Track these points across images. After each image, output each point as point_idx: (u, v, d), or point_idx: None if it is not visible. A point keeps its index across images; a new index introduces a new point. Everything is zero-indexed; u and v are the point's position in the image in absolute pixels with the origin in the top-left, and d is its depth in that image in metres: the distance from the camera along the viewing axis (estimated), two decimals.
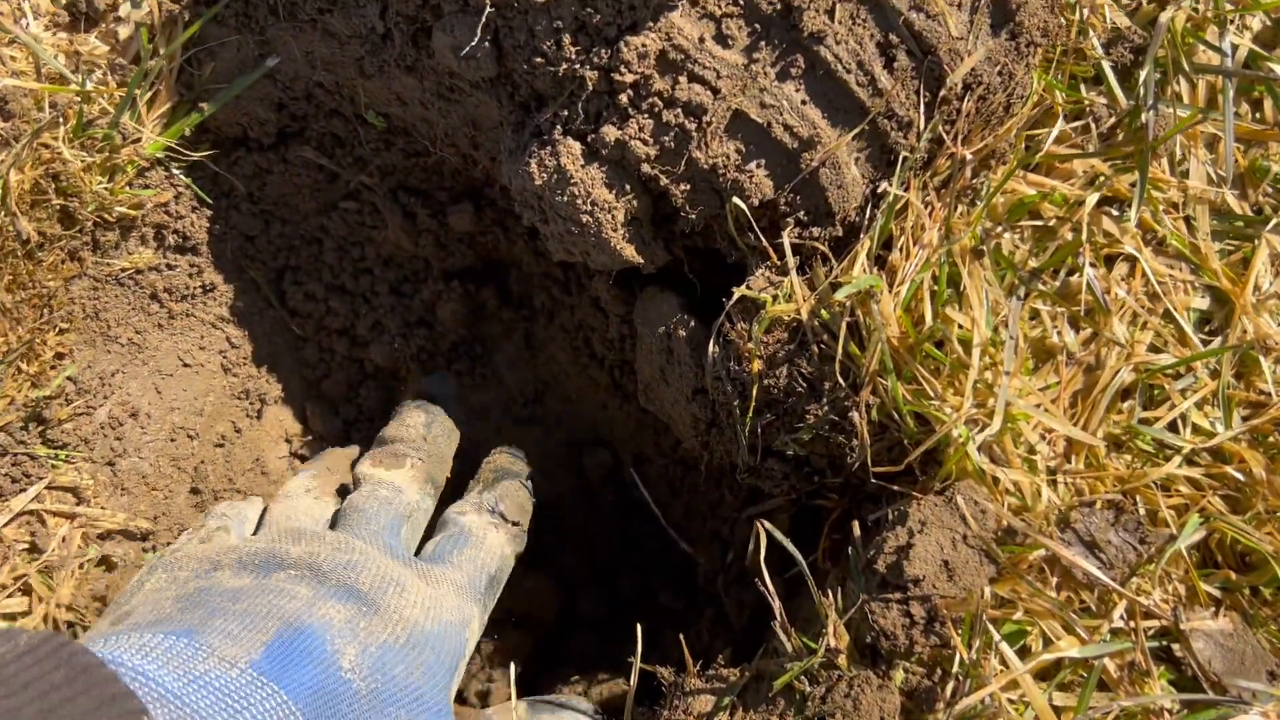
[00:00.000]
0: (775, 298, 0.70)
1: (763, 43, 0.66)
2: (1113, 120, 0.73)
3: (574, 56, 0.68)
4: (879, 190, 0.70)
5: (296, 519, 0.75)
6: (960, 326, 0.69)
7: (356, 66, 0.81)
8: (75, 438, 0.86)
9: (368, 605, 0.66)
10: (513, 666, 0.77)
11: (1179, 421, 0.69)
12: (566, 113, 0.69)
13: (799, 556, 0.67)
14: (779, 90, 0.66)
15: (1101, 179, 0.72)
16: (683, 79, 0.66)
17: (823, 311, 0.69)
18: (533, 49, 0.68)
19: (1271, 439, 0.68)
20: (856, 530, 0.69)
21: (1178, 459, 0.67)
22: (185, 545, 0.72)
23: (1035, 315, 0.71)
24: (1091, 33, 0.74)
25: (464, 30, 0.69)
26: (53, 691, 0.46)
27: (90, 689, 0.47)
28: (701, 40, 0.66)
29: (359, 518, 0.74)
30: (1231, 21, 0.73)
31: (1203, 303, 0.71)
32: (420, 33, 0.75)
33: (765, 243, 0.70)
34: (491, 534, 0.78)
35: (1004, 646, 0.62)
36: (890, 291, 0.68)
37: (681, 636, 0.75)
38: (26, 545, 0.81)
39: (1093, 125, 0.74)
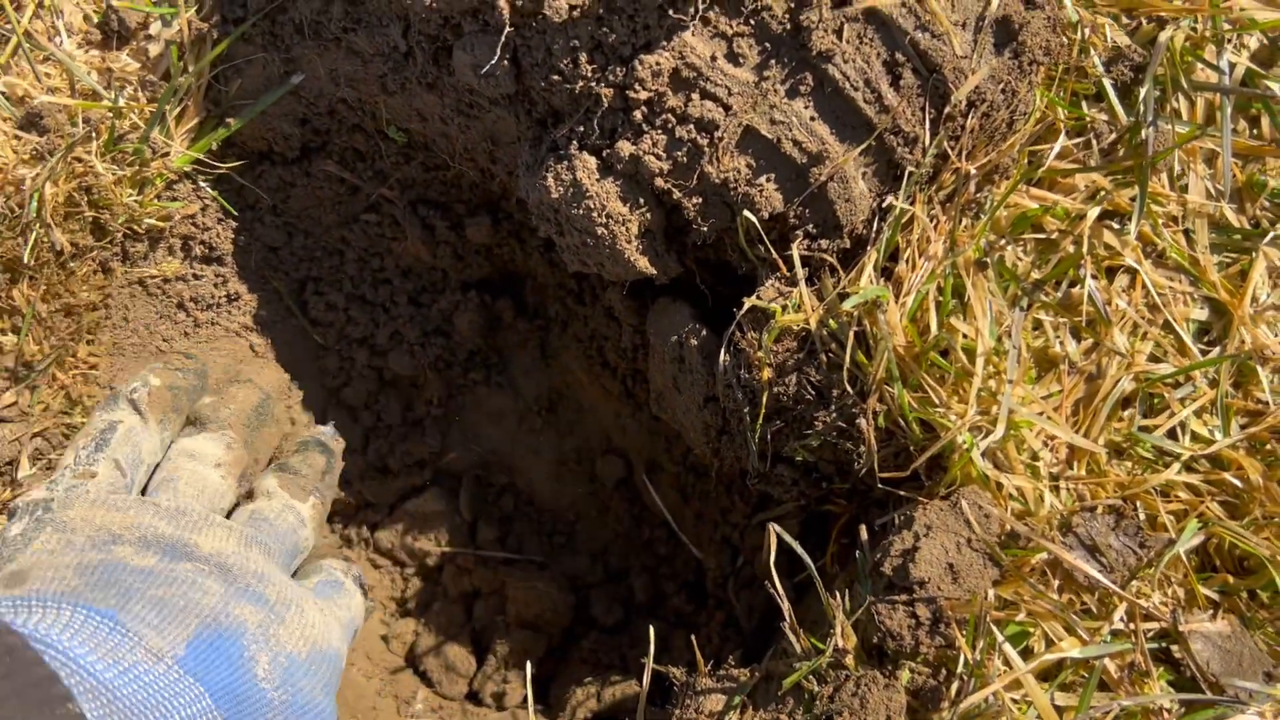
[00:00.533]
0: (785, 308, 0.71)
1: (773, 61, 0.68)
2: (1113, 136, 0.75)
3: (590, 74, 0.70)
4: (885, 204, 0.72)
5: (203, 500, 0.73)
6: (965, 336, 0.70)
7: (379, 83, 0.83)
8: None
9: (274, 614, 0.65)
10: (529, 666, 0.78)
11: (1178, 429, 0.71)
12: (582, 128, 0.72)
13: (807, 559, 0.69)
14: (788, 107, 0.68)
15: (1103, 193, 0.74)
16: (695, 96, 0.68)
17: (831, 321, 0.71)
18: (550, 67, 0.71)
19: (1269, 446, 0.70)
20: (864, 534, 0.71)
21: (1177, 465, 0.69)
22: (74, 502, 0.67)
23: (1038, 325, 0.73)
24: (1093, 51, 0.76)
25: (484, 49, 0.72)
26: None
27: (13, 673, 0.44)
28: (713, 59, 0.68)
29: (270, 530, 0.73)
30: (1229, 40, 0.75)
31: (1201, 314, 0.73)
32: (441, 51, 0.77)
33: (775, 255, 0.72)
34: (357, 595, 0.78)
35: (1007, 647, 0.64)
36: (896, 302, 0.70)
37: (693, 637, 0.76)
38: None
39: (1094, 141, 0.75)
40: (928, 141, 0.69)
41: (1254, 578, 0.67)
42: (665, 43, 0.68)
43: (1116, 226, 0.74)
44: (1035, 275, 0.73)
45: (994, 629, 0.64)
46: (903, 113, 0.68)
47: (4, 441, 0.83)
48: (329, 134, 0.91)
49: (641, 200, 0.72)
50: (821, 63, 0.67)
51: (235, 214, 0.92)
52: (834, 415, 0.71)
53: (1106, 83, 0.75)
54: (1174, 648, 0.65)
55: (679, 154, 0.70)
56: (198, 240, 0.91)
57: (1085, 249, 0.72)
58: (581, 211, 0.72)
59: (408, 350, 1.03)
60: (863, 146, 0.69)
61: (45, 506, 0.66)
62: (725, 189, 0.70)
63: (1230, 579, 0.68)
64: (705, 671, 0.74)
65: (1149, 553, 0.67)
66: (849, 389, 0.70)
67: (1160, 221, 0.74)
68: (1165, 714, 0.64)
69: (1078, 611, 0.66)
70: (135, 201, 0.84)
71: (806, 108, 0.68)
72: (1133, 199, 0.73)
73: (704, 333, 0.79)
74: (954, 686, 0.64)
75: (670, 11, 0.67)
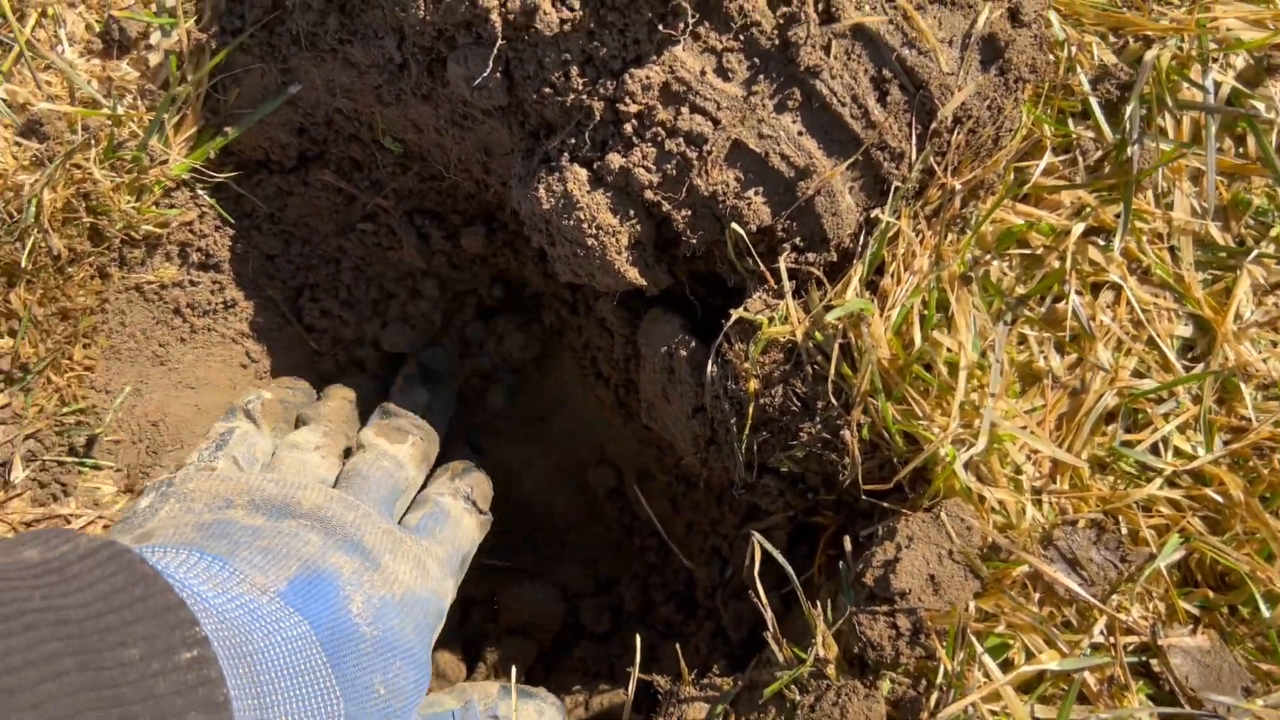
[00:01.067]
0: (771, 320, 0.72)
1: (761, 76, 0.69)
2: (1099, 153, 0.76)
3: (581, 87, 0.71)
4: (872, 218, 0.72)
5: (305, 475, 0.79)
6: (948, 350, 0.71)
7: (375, 94, 0.84)
8: (102, 446, 0.89)
9: (370, 561, 0.71)
10: (514, 670, 0.79)
11: (1161, 444, 0.71)
12: (574, 141, 0.72)
13: (789, 569, 0.69)
14: (777, 121, 0.69)
15: (1088, 210, 0.74)
16: (685, 110, 0.69)
17: (816, 333, 0.71)
18: (542, 80, 0.71)
19: (1251, 463, 0.70)
20: (848, 545, 0.71)
21: (1159, 481, 0.69)
22: (194, 477, 0.75)
23: (1023, 340, 0.74)
24: (1079, 69, 0.76)
25: (477, 62, 0.73)
26: (114, 594, 0.50)
27: (149, 596, 0.51)
28: (703, 73, 0.69)
29: (363, 484, 0.79)
30: (1215, 60, 0.76)
31: (1186, 330, 0.74)
32: (435, 63, 0.78)
33: (763, 267, 0.72)
34: (466, 518, 0.84)
35: (987, 659, 0.64)
36: (881, 315, 0.71)
37: (678, 646, 0.77)
38: None
39: (1079, 158, 0.76)
40: (914, 157, 0.70)
41: (1234, 593, 0.67)
42: (655, 57, 0.69)
43: (1101, 243, 0.74)
44: (1020, 290, 0.74)
45: (974, 640, 0.64)
46: (889, 128, 0.69)
47: None
48: (326, 143, 0.92)
49: (632, 212, 0.73)
50: (809, 78, 0.68)
51: (232, 222, 0.93)
52: (819, 427, 0.72)
53: (1093, 100, 0.76)
54: (1154, 662, 0.66)
55: (669, 167, 0.70)
56: (195, 247, 0.92)
57: (1070, 265, 0.73)
58: (572, 223, 0.72)
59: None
60: (849, 161, 0.69)
61: (169, 483, 0.74)
62: (714, 202, 0.71)
63: (1211, 594, 0.68)
64: (689, 680, 0.74)
65: (1130, 567, 0.67)
66: (834, 401, 0.71)
67: (1145, 238, 0.74)
68: None
69: (1058, 624, 0.67)
70: (133, 208, 0.85)
71: (794, 122, 0.69)
72: (1118, 216, 0.74)
73: (693, 344, 0.79)
74: (933, 697, 0.65)
75: (660, 26, 0.68)
